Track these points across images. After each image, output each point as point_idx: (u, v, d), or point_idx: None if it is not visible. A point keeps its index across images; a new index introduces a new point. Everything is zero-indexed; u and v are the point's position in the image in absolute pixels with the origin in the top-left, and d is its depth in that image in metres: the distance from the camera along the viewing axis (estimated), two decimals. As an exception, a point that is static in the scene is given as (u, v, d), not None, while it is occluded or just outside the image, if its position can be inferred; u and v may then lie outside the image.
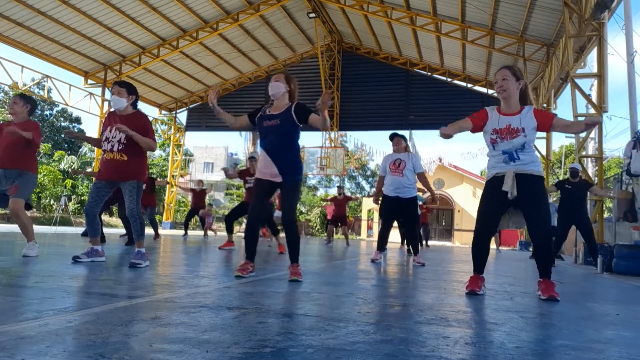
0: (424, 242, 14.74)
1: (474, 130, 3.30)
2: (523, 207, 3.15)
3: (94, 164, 19.22)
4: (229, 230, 7.63)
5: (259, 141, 3.62)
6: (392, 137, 6.01)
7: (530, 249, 10.39)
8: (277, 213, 12.01)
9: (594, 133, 11.42)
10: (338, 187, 13.43)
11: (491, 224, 3.23)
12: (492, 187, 3.19)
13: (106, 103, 17.96)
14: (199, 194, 12.80)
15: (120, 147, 3.94)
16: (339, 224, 12.96)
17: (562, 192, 7.34)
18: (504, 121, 3.18)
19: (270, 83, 3.61)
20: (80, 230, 11.95)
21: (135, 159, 3.99)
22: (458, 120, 3.32)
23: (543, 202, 3.12)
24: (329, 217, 13.17)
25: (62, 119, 37.73)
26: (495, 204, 3.20)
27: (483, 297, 3.05)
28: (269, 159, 3.51)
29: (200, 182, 13.60)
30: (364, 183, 41.17)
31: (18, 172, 4.34)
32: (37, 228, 13.57)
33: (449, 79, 18.54)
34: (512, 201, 3.12)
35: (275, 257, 5.97)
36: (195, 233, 17.51)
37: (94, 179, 4.10)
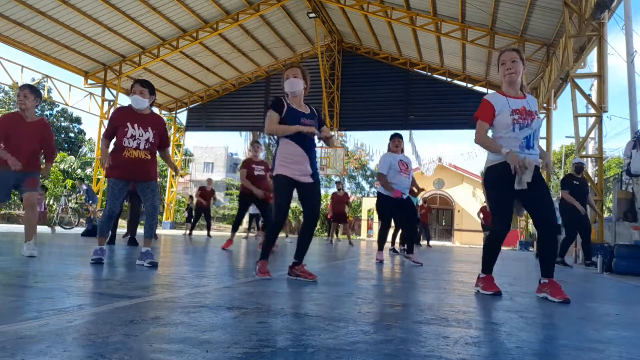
0: (424, 242, 14.76)
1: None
2: (531, 198, 3.02)
3: (94, 164, 19.21)
4: (235, 229, 7.53)
5: (289, 134, 3.39)
6: (394, 137, 6.04)
7: (531, 249, 10.38)
8: None
9: (593, 133, 11.42)
10: (337, 182, 13.44)
11: (510, 219, 3.11)
12: (506, 177, 2.97)
13: (106, 103, 17.96)
14: (209, 194, 12.84)
15: (147, 146, 3.95)
16: (339, 222, 12.96)
17: (571, 189, 7.29)
18: (517, 102, 3.05)
19: (289, 79, 3.47)
20: (80, 230, 11.94)
21: (155, 159, 4.12)
22: (489, 139, 3.12)
23: (550, 195, 3.09)
24: (329, 215, 13.13)
25: (62, 119, 37.75)
26: (512, 197, 3.04)
27: (482, 297, 3.05)
28: (307, 157, 3.42)
29: (210, 180, 13.61)
30: (363, 183, 41.19)
31: (30, 172, 4.39)
32: (37, 228, 13.55)
33: (449, 79, 18.53)
34: (517, 191, 2.98)
35: (276, 258, 5.97)
36: (199, 233, 17.50)
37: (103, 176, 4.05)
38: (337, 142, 20.19)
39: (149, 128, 3.97)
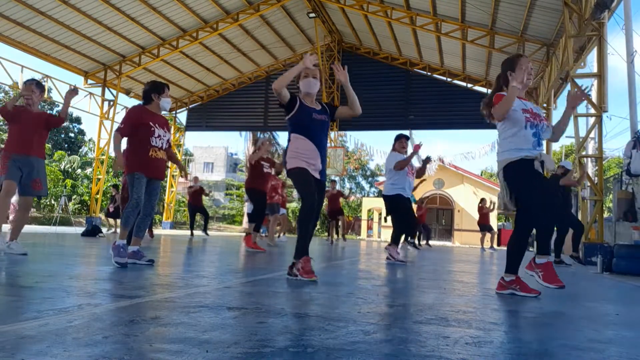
0: (423, 242, 14.78)
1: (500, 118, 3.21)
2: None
3: (94, 164, 19.21)
4: (257, 229, 7.21)
5: (301, 130, 3.49)
6: (401, 137, 6.11)
7: (531, 249, 10.39)
8: (283, 211, 12.00)
9: (593, 133, 11.43)
10: (332, 181, 13.47)
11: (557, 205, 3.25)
12: (533, 170, 3.06)
13: (106, 103, 17.97)
14: (198, 191, 12.76)
15: (166, 146, 4.12)
16: (335, 217, 12.99)
17: (560, 189, 7.39)
18: (526, 103, 3.19)
19: (308, 79, 3.57)
20: (80, 230, 11.94)
21: None
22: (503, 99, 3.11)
23: None
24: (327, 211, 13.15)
25: (62, 119, 37.68)
26: (548, 185, 3.16)
27: (482, 297, 3.05)
28: (318, 153, 3.49)
29: (196, 178, 13.43)
30: (363, 183, 41.19)
31: (40, 161, 4.52)
32: (37, 228, 13.58)
33: (449, 79, 18.52)
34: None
35: (277, 258, 5.97)
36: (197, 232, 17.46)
37: (125, 172, 4.03)
38: (337, 142, 20.18)
39: (165, 129, 4.10)
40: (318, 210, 3.47)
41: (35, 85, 4.55)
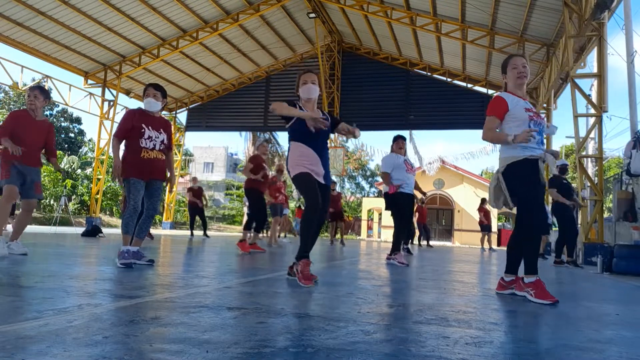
0: (424, 242, 14.78)
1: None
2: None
3: (94, 164, 19.21)
4: (258, 230, 7.05)
5: (300, 138, 3.47)
6: (398, 139, 6.14)
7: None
8: (286, 211, 12.01)
9: (593, 133, 11.43)
10: (332, 182, 13.46)
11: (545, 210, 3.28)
12: (533, 174, 3.07)
13: (106, 103, 17.98)
14: (198, 192, 12.73)
15: (161, 147, 4.10)
16: (337, 220, 13.00)
17: (562, 188, 7.36)
18: (526, 103, 3.19)
19: (307, 85, 3.53)
20: (80, 230, 11.94)
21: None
22: (497, 132, 3.16)
23: (543, 197, 3.27)
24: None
25: (62, 119, 37.75)
26: (542, 191, 3.17)
27: (482, 297, 3.05)
28: (318, 159, 3.47)
29: (195, 179, 13.33)
30: (363, 183, 41.20)
31: (39, 169, 4.64)
32: (37, 228, 13.58)
33: (449, 79, 18.51)
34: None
35: (277, 258, 5.97)
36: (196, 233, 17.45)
37: (121, 177, 3.99)
38: (337, 142, 20.18)
39: (161, 130, 4.10)
40: (323, 212, 3.44)
41: (39, 91, 4.59)
